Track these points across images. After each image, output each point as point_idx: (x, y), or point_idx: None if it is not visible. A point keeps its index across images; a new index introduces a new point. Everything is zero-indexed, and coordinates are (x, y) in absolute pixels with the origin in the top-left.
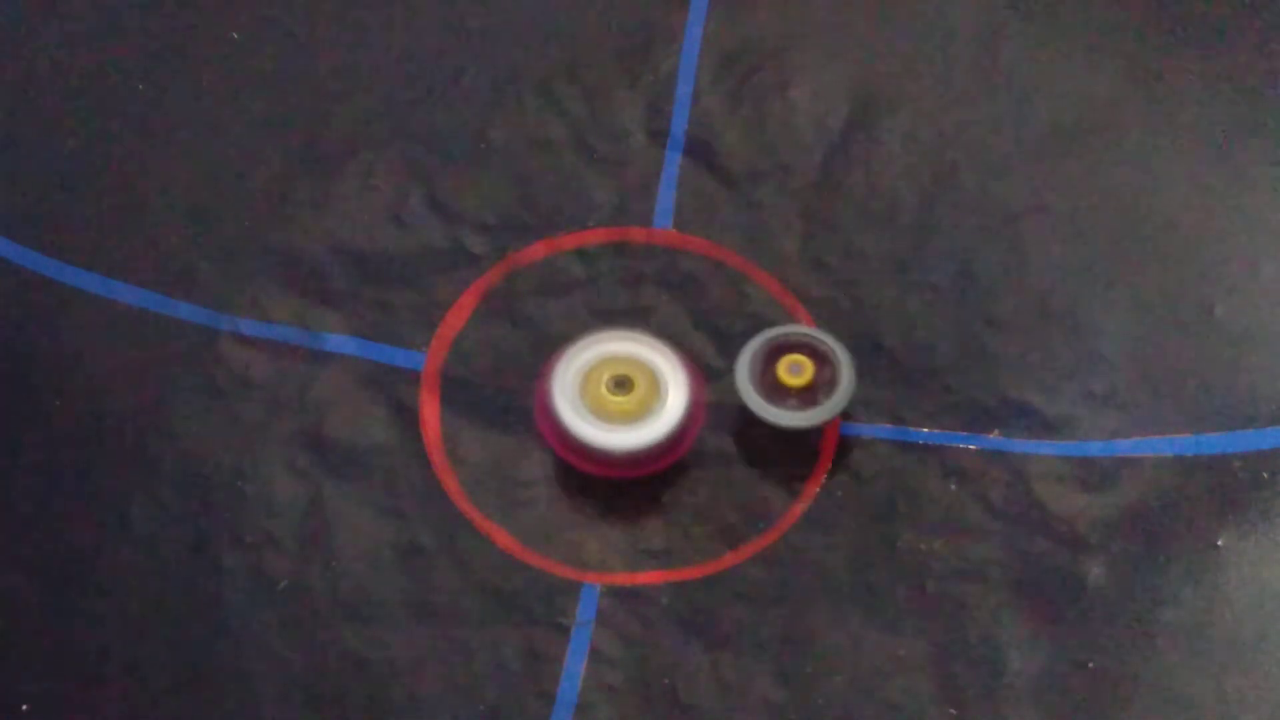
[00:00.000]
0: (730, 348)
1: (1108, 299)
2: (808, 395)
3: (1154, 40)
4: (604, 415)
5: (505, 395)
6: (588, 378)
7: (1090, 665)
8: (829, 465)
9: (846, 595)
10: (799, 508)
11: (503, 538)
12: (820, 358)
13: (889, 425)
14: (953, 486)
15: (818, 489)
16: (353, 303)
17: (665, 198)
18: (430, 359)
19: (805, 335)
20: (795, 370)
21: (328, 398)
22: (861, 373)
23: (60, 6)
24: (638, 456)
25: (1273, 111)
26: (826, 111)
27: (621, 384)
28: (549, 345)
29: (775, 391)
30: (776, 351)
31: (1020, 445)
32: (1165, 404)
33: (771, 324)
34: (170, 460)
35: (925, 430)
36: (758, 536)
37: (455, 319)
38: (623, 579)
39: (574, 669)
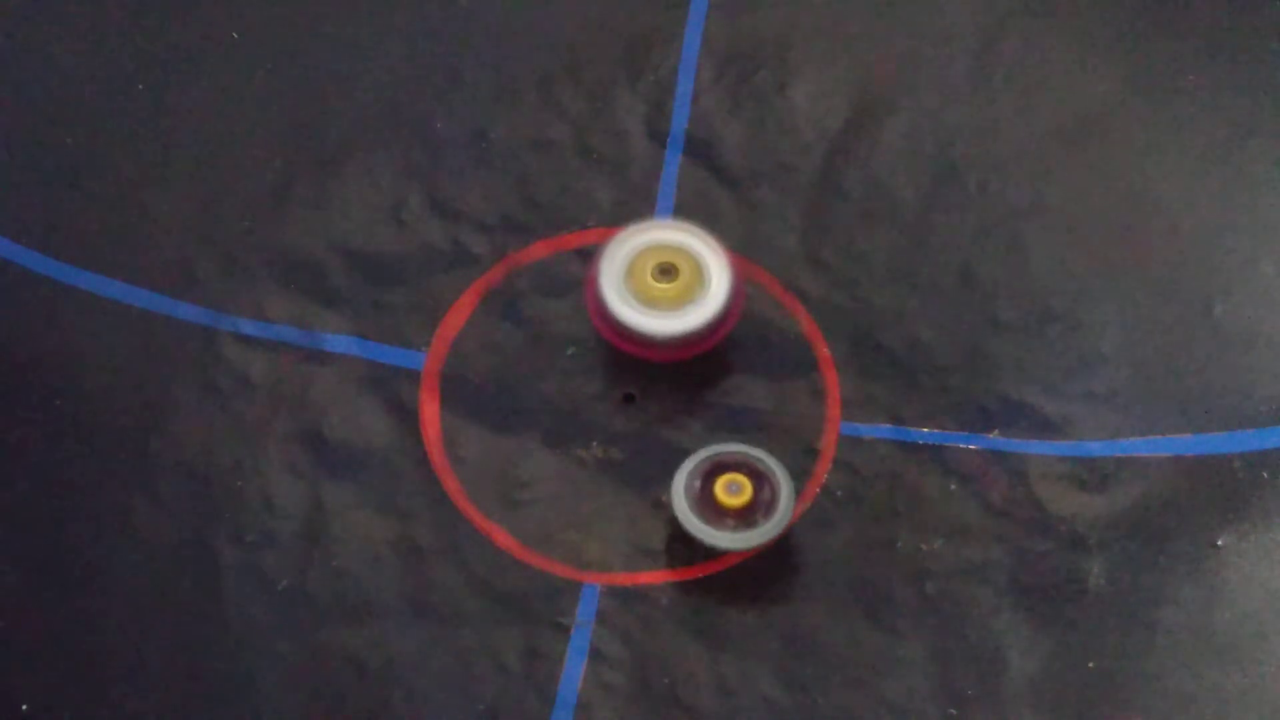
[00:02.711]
0: (730, 348)
1: (1108, 299)
2: (746, 515)
3: (1154, 40)
4: (649, 301)
5: (505, 395)
6: (634, 265)
7: (1090, 665)
8: (829, 465)
9: (846, 595)
10: (799, 508)
11: (503, 538)
12: (759, 477)
13: (889, 425)
14: (953, 486)
15: (818, 489)
16: (353, 303)
17: (665, 198)
18: (430, 359)
19: (744, 455)
20: (734, 490)
21: (328, 398)
22: (862, 373)
23: (61, 7)
24: (681, 340)
25: (1272, 111)
26: (826, 111)
27: (666, 271)
28: (549, 345)
29: (713, 511)
30: (715, 470)
31: (1020, 445)
32: (1165, 404)
33: (772, 324)
34: (170, 460)
35: (925, 430)
36: None
37: (455, 319)
38: (623, 579)
39: (574, 669)
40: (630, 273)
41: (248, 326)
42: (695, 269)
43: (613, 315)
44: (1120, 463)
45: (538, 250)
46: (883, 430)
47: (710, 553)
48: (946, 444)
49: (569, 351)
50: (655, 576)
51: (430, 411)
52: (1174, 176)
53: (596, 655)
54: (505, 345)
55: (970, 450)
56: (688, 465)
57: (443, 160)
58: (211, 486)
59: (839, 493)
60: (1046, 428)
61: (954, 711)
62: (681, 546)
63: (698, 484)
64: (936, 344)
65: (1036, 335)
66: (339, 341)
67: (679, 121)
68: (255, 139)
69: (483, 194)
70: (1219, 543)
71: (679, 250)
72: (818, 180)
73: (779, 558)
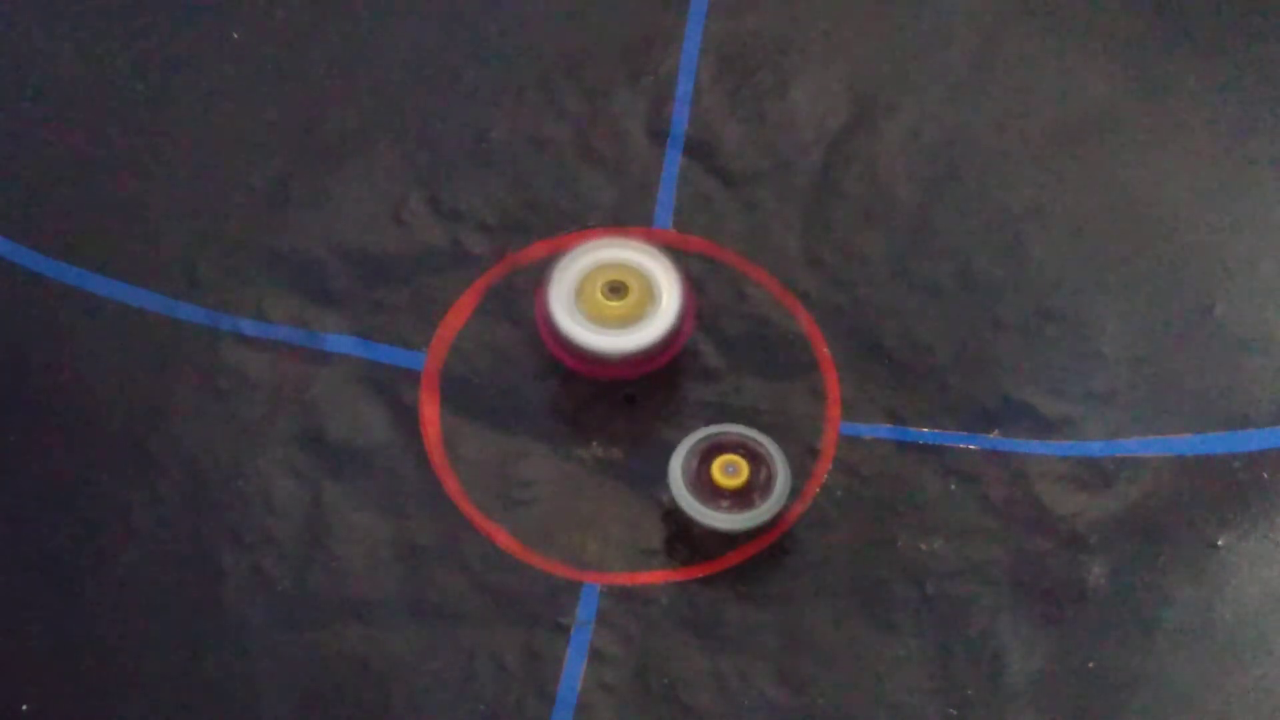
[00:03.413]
0: (730, 348)
1: (1108, 299)
2: (742, 497)
3: (1154, 41)
4: (600, 320)
5: (505, 395)
6: (584, 284)
7: (1090, 665)
8: (829, 465)
9: (846, 595)
10: (799, 508)
11: (503, 538)
12: (756, 459)
13: (889, 425)
14: (953, 486)
15: (818, 489)
16: (353, 303)
17: (665, 198)
18: (430, 359)
19: (742, 436)
20: (730, 471)
21: (328, 398)
22: (862, 373)
23: (60, 7)
24: (632, 359)
25: (1272, 111)
26: (826, 111)
27: (616, 289)
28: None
29: (709, 491)
30: (711, 451)
31: (1020, 445)
32: (1165, 404)
33: (772, 324)
34: (170, 460)
35: (925, 430)
36: (758, 536)
37: (455, 319)
38: (623, 579)
39: (574, 669)
40: (580, 291)
41: (248, 326)
42: (645, 286)
43: (563, 334)
44: (1120, 463)
45: (538, 250)
46: (883, 430)
47: (710, 552)
48: (946, 444)
49: None
50: (655, 576)
51: (430, 411)
52: (1174, 176)
53: (596, 655)
54: (505, 345)
55: (971, 450)
56: (685, 445)
57: (443, 160)
58: (211, 486)
59: (839, 493)
60: (1046, 428)
61: (954, 711)
62: (681, 546)
63: (694, 464)
64: (936, 344)
65: (1036, 335)
66: (339, 341)
67: (679, 121)
68: (255, 139)
69: (483, 194)
70: (1219, 543)
71: (628, 268)
72: (818, 180)
73: (779, 558)
